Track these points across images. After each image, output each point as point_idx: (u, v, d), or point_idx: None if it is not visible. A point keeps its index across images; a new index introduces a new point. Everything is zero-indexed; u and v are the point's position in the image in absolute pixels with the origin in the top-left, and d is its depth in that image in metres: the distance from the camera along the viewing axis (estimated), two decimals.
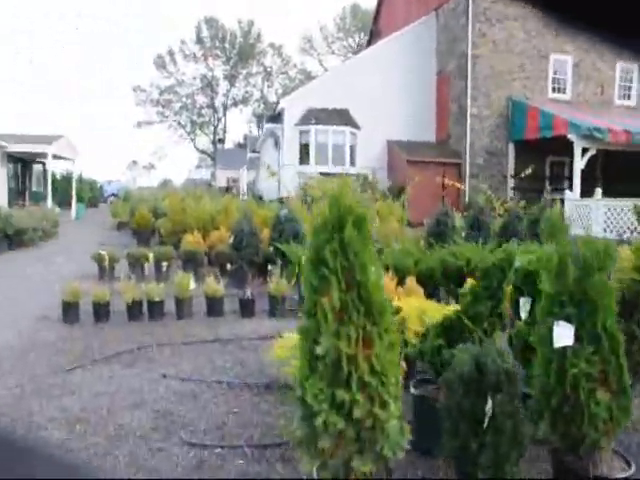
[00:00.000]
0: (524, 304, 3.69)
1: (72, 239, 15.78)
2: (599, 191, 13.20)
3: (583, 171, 17.43)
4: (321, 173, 17.79)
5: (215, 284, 6.75)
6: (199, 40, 59.68)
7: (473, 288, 3.39)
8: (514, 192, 19.45)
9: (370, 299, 2.37)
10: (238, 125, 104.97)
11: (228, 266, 8.13)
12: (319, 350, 2.36)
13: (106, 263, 8.81)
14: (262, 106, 67.33)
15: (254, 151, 32.04)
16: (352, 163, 20.40)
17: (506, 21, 19.09)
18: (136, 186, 45.36)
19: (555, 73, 19.82)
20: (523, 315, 3.70)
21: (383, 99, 20.44)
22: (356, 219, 2.42)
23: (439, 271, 7.02)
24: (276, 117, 20.90)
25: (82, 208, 23.91)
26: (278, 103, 67.65)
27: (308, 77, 65.50)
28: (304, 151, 20.17)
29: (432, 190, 18.87)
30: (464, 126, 19.15)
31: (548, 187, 19.30)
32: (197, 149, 66.24)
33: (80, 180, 26.06)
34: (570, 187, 16.62)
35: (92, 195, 29.59)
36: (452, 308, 4.13)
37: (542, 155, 19.99)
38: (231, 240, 8.25)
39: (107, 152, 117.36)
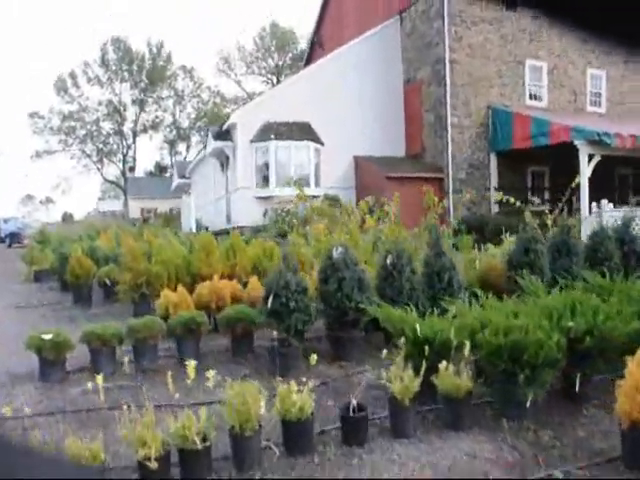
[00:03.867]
0: None
1: None
2: None
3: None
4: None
5: (297, 395, 3.63)
6: (104, 62, 54.82)
7: None
8: (498, 206, 17.57)
9: None
10: (148, 153, 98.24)
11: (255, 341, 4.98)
12: None
13: (52, 354, 5.35)
14: (174, 132, 63.31)
15: (183, 177, 28.45)
16: (317, 184, 17.63)
17: (481, 24, 17.35)
18: (37, 223, 39.65)
19: (531, 80, 18.34)
20: None
21: (343, 112, 17.98)
22: None
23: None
24: (224, 134, 17.75)
25: None
26: (192, 128, 63.94)
27: (223, 99, 62.44)
28: (262, 171, 17.14)
29: (414, 209, 16.54)
30: (444, 138, 17.03)
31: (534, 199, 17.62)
32: (105, 179, 60.56)
33: None
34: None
35: None
36: None
37: (523, 166, 18.38)
38: (270, 302, 5.13)
39: None
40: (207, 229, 19.69)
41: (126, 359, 5.81)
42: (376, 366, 5.51)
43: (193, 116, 62.52)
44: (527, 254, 7.06)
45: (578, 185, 10.28)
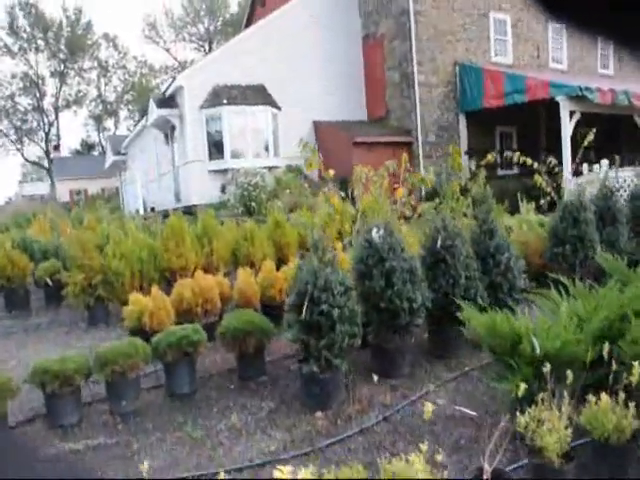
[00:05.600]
0: None
1: None
2: None
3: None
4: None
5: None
6: (13, 30, 49.55)
7: None
8: (469, 170, 16.62)
9: None
10: (73, 130, 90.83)
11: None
12: None
13: None
14: (100, 106, 58.84)
15: (119, 153, 25.91)
16: (276, 153, 16.00)
17: None
18: None
19: (495, 34, 17.29)
20: None
21: (298, 73, 16.32)
22: None
23: None
24: (168, 101, 15.69)
25: None
26: (119, 102, 59.68)
27: (152, 70, 58.54)
28: (214, 141, 15.28)
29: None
30: (411, 98, 15.74)
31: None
32: (27, 160, 55.71)
33: None
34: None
35: None
36: None
37: (491, 126, 17.47)
38: (303, 313, 3.70)
39: None
40: (153, 210, 17.75)
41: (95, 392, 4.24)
42: (437, 384, 4.23)
43: (120, 89, 58.33)
44: (575, 225, 5.92)
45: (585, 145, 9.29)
